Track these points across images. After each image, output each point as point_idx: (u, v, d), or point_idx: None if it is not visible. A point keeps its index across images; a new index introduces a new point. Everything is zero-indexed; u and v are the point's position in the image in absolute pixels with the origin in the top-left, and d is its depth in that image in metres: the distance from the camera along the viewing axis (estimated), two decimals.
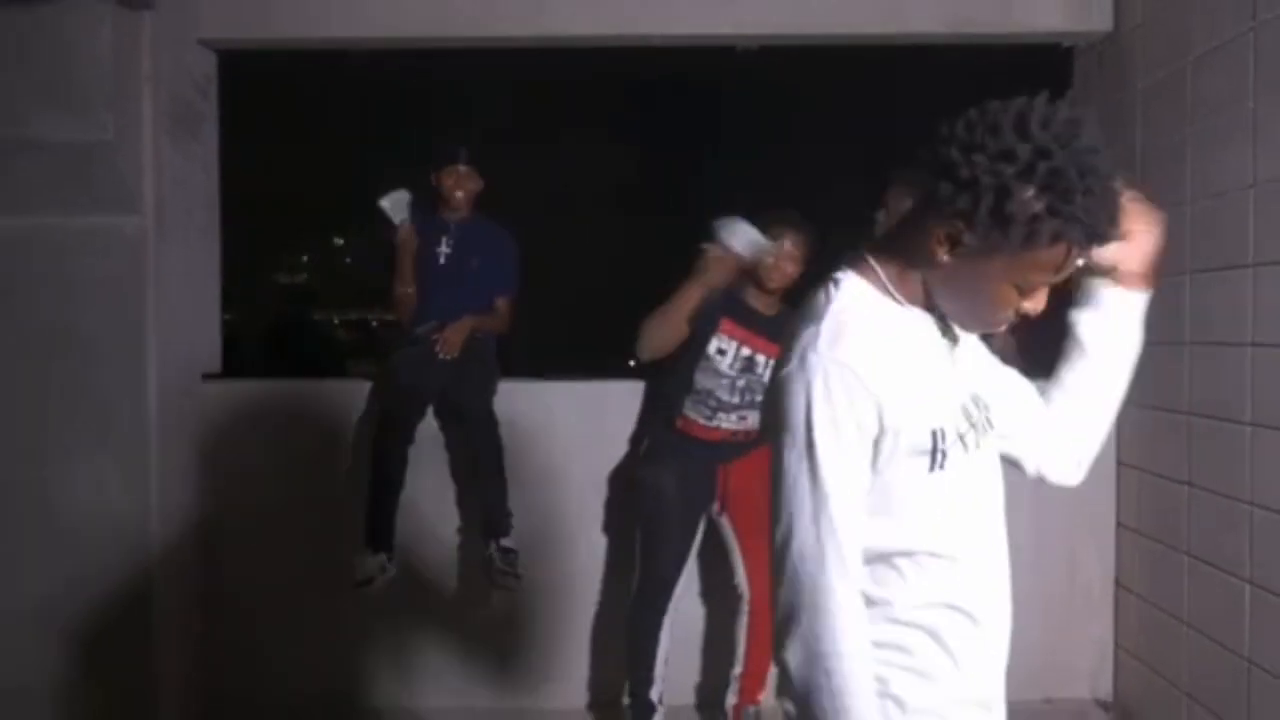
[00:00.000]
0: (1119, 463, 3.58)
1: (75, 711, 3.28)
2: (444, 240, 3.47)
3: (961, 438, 1.29)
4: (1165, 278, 3.16)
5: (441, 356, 3.32)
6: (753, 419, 3.18)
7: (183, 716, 3.48)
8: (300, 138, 11.07)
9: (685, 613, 3.46)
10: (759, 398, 3.12)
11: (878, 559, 1.27)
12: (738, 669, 3.32)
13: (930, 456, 1.26)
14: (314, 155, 11.61)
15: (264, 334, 7.84)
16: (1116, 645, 3.64)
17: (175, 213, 3.44)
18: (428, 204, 3.52)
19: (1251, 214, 2.75)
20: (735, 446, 3.22)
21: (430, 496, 3.59)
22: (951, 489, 1.28)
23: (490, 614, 3.51)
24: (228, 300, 3.99)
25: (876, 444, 1.24)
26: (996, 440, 1.40)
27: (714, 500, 3.26)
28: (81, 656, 3.28)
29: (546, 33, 3.67)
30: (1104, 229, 1.17)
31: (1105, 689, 3.67)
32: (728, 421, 3.19)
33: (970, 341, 1.40)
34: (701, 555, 3.37)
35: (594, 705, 3.67)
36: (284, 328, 7.52)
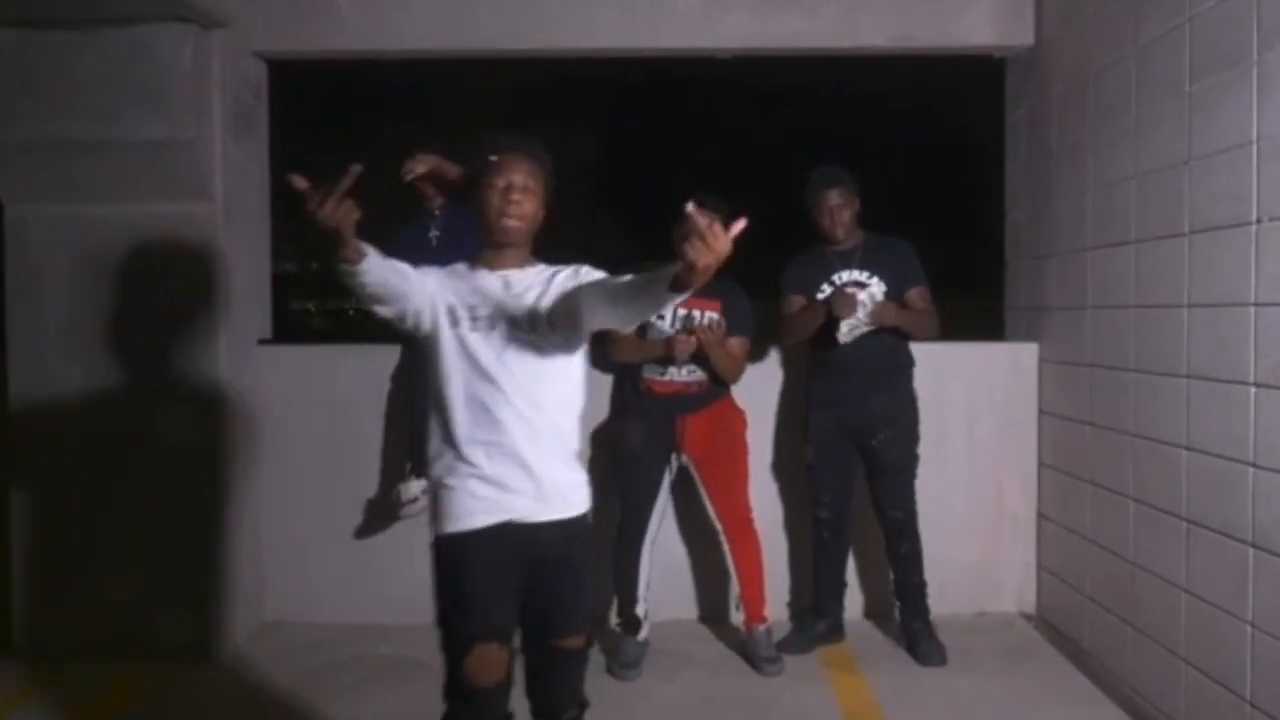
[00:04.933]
0: (1040, 411, 4.23)
1: (167, 613, 3.88)
2: (432, 226, 4.03)
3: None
4: (1070, 254, 3.81)
5: None
6: (701, 371, 3.68)
7: (248, 612, 4.12)
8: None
9: (679, 542, 4.14)
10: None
11: None
12: (737, 590, 3.82)
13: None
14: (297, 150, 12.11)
15: None
16: (1039, 566, 4.29)
17: (235, 201, 4.02)
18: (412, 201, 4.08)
19: (1134, 200, 3.39)
20: (691, 398, 3.71)
21: None
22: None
23: None
24: None
25: None
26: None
27: (675, 448, 3.74)
28: (172, 567, 3.88)
29: (557, 45, 4.27)
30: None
31: (1029, 603, 4.32)
32: (679, 375, 3.70)
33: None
34: (684, 496, 3.97)
35: None
36: None
